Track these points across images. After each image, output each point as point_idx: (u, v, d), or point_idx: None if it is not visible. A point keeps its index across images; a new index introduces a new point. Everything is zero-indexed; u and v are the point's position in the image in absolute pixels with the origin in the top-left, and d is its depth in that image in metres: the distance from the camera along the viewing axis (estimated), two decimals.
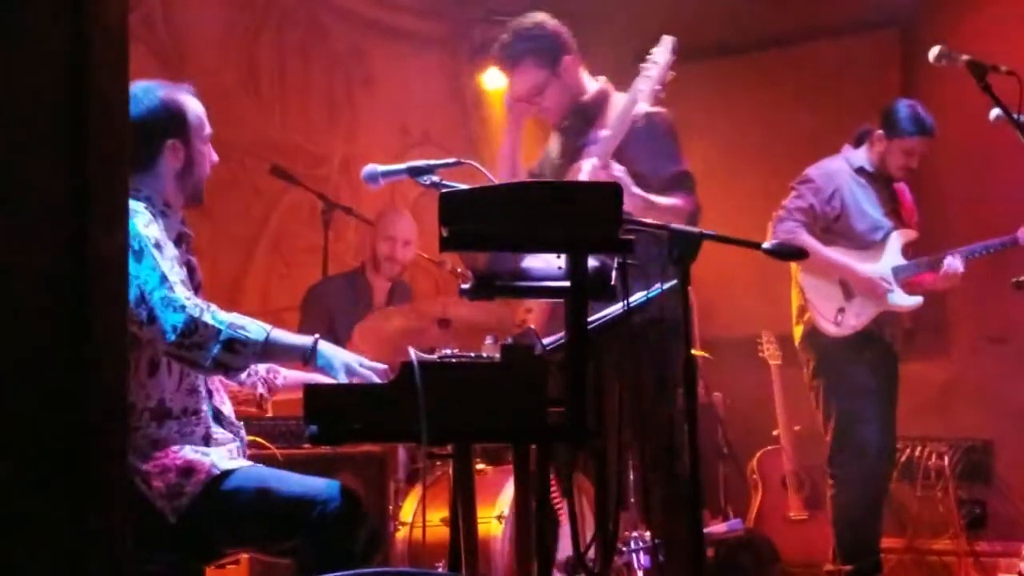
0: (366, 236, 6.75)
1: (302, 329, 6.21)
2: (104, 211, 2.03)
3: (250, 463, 3.48)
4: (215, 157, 3.69)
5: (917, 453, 6.92)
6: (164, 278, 3.23)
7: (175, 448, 3.33)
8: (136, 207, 3.39)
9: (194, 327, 3.19)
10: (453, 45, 8.63)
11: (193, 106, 3.66)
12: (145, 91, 3.58)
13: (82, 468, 1.92)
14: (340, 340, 5.83)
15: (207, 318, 3.21)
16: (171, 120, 3.59)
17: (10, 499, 1.87)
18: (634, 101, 4.40)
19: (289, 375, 3.81)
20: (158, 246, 3.31)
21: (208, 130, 3.70)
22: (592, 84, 4.88)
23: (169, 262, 3.30)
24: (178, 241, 3.54)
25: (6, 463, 1.87)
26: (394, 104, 8.26)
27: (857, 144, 5.94)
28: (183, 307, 3.20)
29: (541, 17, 4.87)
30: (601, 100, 4.81)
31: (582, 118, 4.80)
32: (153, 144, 3.56)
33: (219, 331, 3.20)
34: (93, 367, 1.96)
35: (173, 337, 3.19)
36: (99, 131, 2.02)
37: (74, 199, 1.98)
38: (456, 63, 8.66)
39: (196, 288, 3.55)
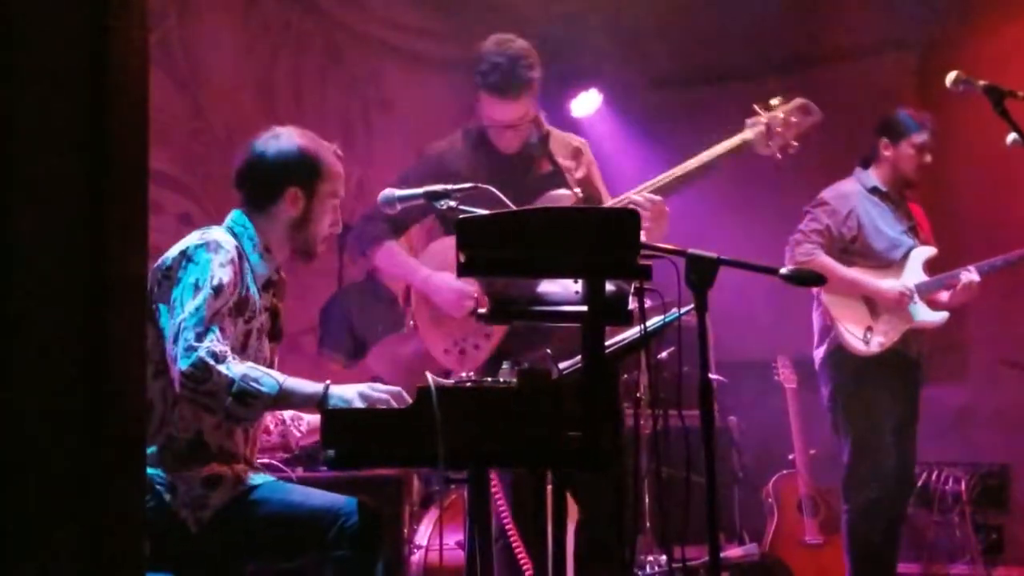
0: None
1: (324, 339, 6.20)
2: (122, 232, 2.04)
3: (274, 477, 3.50)
4: (339, 225, 3.68)
5: (934, 478, 6.90)
6: (201, 322, 3.22)
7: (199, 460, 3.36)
8: (225, 243, 3.39)
9: (207, 375, 3.18)
10: (469, 68, 8.63)
11: (330, 163, 3.63)
12: (288, 134, 3.57)
13: (98, 496, 1.92)
14: (363, 342, 5.83)
15: (222, 368, 3.19)
16: (301, 168, 3.56)
17: (25, 526, 1.87)
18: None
19: (313, 421, 3.75)
20: (219, 289, 3.30)
21: (340, 192, 3.67)
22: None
23: (219, 314, 3.28)
24: (266, 287, 3.53)
25: (21, 489, 1.87)
26: (410, 127, 8.27)
27: (865, 165, 5.95)
28: (197, 355, 3.18)
29: (527, 45, 4.81)
30: (546, 135, 4.81)
31: (539, 149, 4.78)
32: (275, 186, 3.54)
33: (232, 382, 3.19)
34: (111, 388, 1.96)
35: (184, 382, 3.20)
36: (119, 154, 2.03)
37: (93, 220, 1.99)
38: (472, 86, 8.66)
39: (276, 335, 3.56)
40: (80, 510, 1.90)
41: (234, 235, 3.49)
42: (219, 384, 3.18)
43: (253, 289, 3.45)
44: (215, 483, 3.31)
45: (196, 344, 3.19)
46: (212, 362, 3.18)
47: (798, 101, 4.74)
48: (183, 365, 3.18)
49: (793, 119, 4.67)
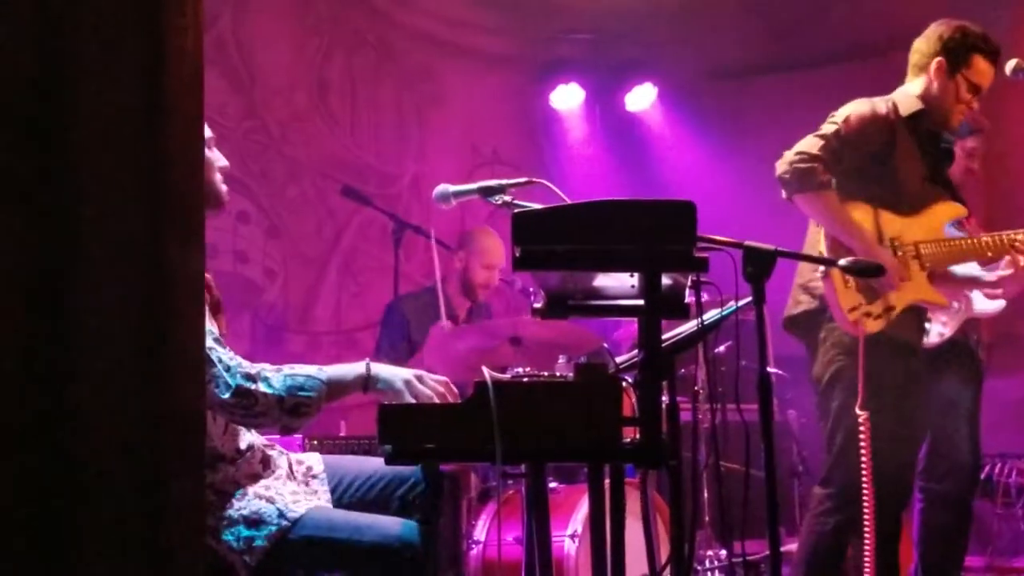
0: (452, 256, 6.36)
1: (382, 342, 6.20)
2: (181, 230, 2.05)
3: (316, 502, 3.34)
4: (222, 162, 3.36)
5: (996, 470, 6.83)
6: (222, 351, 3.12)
7: (237, 495, 3.22)
8: None
9: (253, 400, 3.10)
10: (523, 64, 8.64)
11: None
12: None
13: (159, 519, 1.92)
14: (414, 349, 5.84)
15: (263, 387, 3.11)
16: None
17: (82, 549, 1.88)
18: None
19: None
20: None
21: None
22: None
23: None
24: None
25: (84, 506, 1.88)
26: (464, 123, 8.29)
27: None
28: (229, 384, 3.08)
29: None
30: None
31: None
32: None
33: (280, 399, 3.12)
34: (169, 393, 1.97)
35: (232, 410, 3.11)
36: (176, 152, 2.04)
37: (151, 217, 2.00)
38: (526, 82, 8.67)
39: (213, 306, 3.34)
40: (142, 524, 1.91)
41: None
42: (267, 404, 3.12)
43: None
44: (257, 523, 3.18)
45: (213, 371, 3.09)
46: (251, 386, 3.11)
47: None
48: (224, 394, 3.09)
49: None
